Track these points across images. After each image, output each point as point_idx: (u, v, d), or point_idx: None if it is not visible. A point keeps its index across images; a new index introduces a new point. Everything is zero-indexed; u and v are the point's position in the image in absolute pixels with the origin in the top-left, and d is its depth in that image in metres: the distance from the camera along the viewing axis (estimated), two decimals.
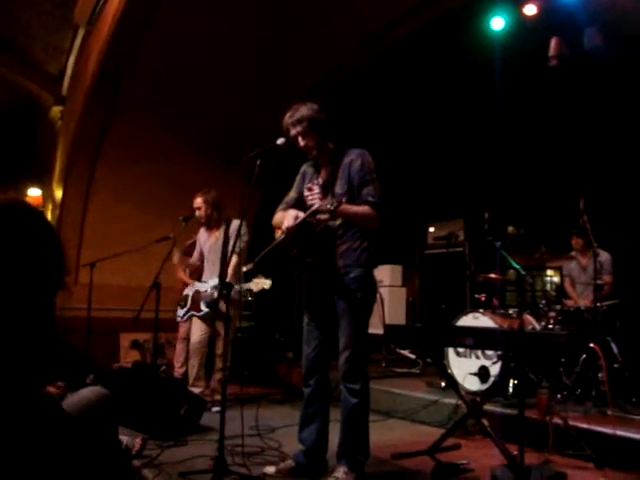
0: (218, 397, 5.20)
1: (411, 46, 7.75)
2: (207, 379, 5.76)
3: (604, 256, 5.94)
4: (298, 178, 3.90)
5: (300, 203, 3.79)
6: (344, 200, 3.41)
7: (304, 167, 3.91)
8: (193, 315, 5.74)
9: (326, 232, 3.51)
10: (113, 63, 7.47)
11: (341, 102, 8.40)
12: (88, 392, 3.15)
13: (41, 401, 0.88)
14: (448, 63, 7.76)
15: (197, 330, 5.70)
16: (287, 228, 3.49)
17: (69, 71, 9.67)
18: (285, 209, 3.80)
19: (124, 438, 3.90)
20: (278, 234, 3.66)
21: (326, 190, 3.62)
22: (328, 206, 3.30)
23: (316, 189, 3.47)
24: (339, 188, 3.58)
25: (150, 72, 7.55)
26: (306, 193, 3.56)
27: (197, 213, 5.92)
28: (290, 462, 3.70)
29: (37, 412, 0.86)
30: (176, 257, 6.39)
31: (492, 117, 7.65)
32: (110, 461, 0.85)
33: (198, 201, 5.89)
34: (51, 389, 4.60)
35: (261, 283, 5.40)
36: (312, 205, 3.42)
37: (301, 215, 3.48)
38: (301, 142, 3.64)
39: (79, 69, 9.03)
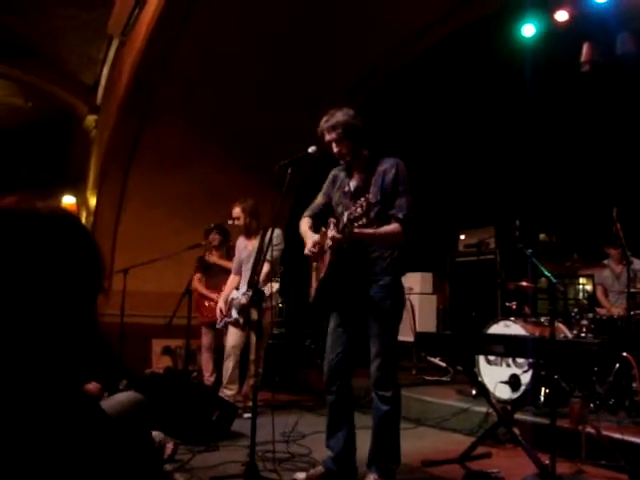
0: (250, 403, 5.25)
1: (443, 53, 7.75)
2: (240, 384, 5.81)
3: (638, 264, 5.87)
4: (327, 183, 3.89)
5: (327, 209, 3.82)
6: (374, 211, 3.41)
7: (334, 172, 3.90)
8: (227, 322, 5.80)
9: (356, 243, 3.52)
10: (146, 73, 7.59)
11: (374, 108, 8.42)
12: (123, 396, 3.21)
13: (81, 399, 0.91)
14: (479, 70, 7.74)
15: (231, 335, 5.76)
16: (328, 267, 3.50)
17: (103, 81, 9.86)
18: (311, 216, 3.84)
19: (157, 435, 3.95)
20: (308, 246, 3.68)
21: (357, 197, 3.60)
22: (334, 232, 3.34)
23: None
24: (372, 197, 3.51)
25: (183, 81, 7.65)
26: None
27: (236, 222, 5.97)
28: (320, 468, 3.72)
29: (77, 409, 0.89)
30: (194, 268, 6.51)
31: (524, 124, 7.61)
32: (144, 465, 0.88)
33: (237, 211, 5.93)
34: (90, 387, 4.71)
35: (267, 287, 5.41)
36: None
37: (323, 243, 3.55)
38: (335, 148, 3.65)
39: (113, 79, 9.19)
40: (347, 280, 3.60)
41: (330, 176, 3.90)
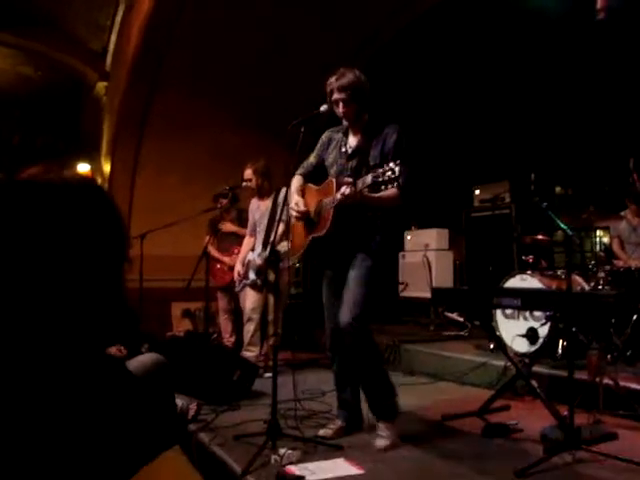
0: (270, 363, 5.33)
1: (454, 4, 7.61)
2: (260, 345, 5.88)
3: None
4: (320, 144, 3.93)
5: (319, 170, 3.89)
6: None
7: (328, 134, 3.93)
8: (245, 284, 5.84)
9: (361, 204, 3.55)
10: (154, 37, 7.54)
11: (384, 65, 8.32)
12: (146, 358, 3.27)
13: (107, 360, 0.94)
14: (491, 20, 7.59)
15: (250, 297, 5.80)
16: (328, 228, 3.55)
17: (112, 47, 9.79)
18: (302, 174, 3.88)
19: (180, 401, 4.04)
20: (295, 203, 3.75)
21: (355, 157, 3.70)
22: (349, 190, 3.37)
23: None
24: (372, 159, 3.60)
25: (191, 45, 7.60)
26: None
27: (248, 184, 5.98)
28: (339, 422, 3.83)
29: (104, 369, 0.92)
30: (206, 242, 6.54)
31: (538, 75, 7.51)
32: (168, 424, 0.92)
33: (248, 172, 5.94)
34: (113, 350, 4.81)
35: (280, 246, 5.45)
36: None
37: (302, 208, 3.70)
38: (341, 108, 3.66)
39: (121, 45, 9.13)
40: (343, 239, 3.62)
41: (324, 137, 3.94)
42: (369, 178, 3.30)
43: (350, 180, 3.45)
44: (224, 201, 6.52)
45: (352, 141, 3.78)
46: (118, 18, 9.07)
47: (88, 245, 0.96)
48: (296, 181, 3.90)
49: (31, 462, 0.83)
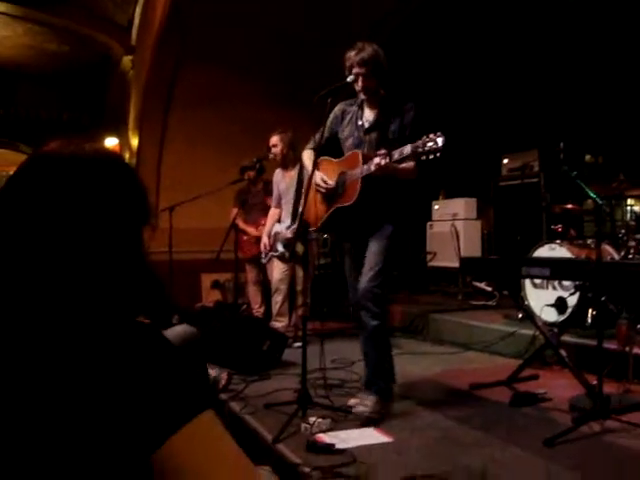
0: (300, 333, 5.39)
1: None
2: (289, 316, 5.94)
3: None
4: (332, 118, 3.91)
5: (331, 143, 3.90)
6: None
7: (341, 106, 3.92)
8: (272, 255, 5.89)
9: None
10: (180, 8, 7.51)
11: (405, 36, 8.23)
12: (179, 329, 3.36)
13: (140, 327, 0.98)
14: None
15: (278, 269, 5.86)
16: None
17: (137, 21, 9.78)
18: (314, 149, 3.86)
19: (212, 371, 4.12)
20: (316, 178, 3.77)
21: (374, 131, 3.73)
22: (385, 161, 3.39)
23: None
24: (391, 133, 3.65)
25: (217, 15, 7.56)
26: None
27: (273, 151, 5.99)
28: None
29: (138, 338, 0.96)
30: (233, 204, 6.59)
31: (566, 42, 7.37)
32: (201, 390, 0.95)
33: (274, 139, 5.95)
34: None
35: None
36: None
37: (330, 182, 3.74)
38: (361, 83, 3.67)
39: (146, 18, 9.12)
40: (367, 209, 3.66)
41: (337, 110, 3.92)
42: (408, 148, 3.35)
43: (385, 151, 3.45)
44: (251, 173, 6.52)
45: (369, 115, 3.79)
46: None
47: (104, 212, 0.99)
48: (309, 155, 3.94)
49: (70, 425, 0.87)
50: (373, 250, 3.68)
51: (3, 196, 0.99)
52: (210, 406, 0.94)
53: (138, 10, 9.52)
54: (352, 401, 3.78)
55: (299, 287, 5.73)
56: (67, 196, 0.96)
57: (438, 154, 3.23)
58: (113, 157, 1.08)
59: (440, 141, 3.20)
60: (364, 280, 3.64)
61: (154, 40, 8.32)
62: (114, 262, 1.00)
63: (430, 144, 3.22)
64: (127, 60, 10.36)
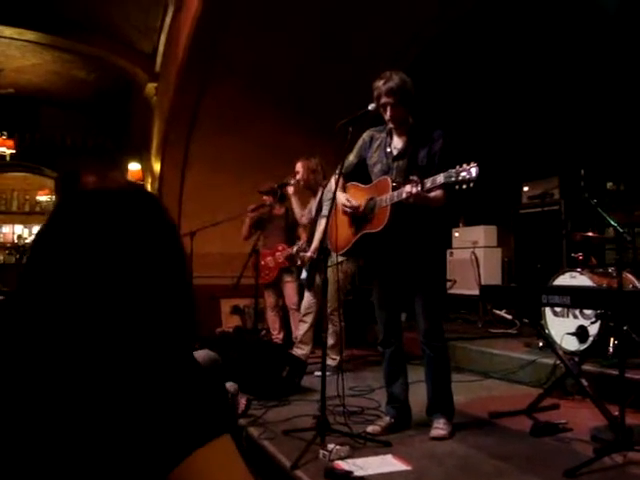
0: (328, 362, 5.40)
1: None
2: (312, 344, 5.89)
3: None
4: (360, 143, 3.95)
5: (359, 169, 3.93)
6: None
7: (370, 133, 3.95)
8: (301, 282, 5.93)
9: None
10: (204, 37, 7.65)
11: (430, 64, 8.29)
12: (201, 354, 3.38)
13: (191, 362, 1.01)
14: (539, 13, 7.50)
15: (306, 295, 5.88)
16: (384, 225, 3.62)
17: (161, 48, 9.97)
18: (343, 173, 3.87)
19: (231, 387, 4.11)
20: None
21: (402, 158, 3.75)
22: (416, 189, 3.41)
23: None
24: (420, 161, 3.68)
25: (242, 43, 7.67)
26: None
27: (296, 177, 6.07)
28: (388, 419, 3.87)
29: (189, 370, 0.99)
30: (244, 227, 6.63)
31: (587, 70, 7.38)
32: (219, 414, 0.97)
33: (298, 165, 6.07)
34: None
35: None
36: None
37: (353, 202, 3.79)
38: (389, 112, 3.71)
39: (171, 46, 9.30)
40: (397, 235, 3.68)
41: (365, 136, 3.95)
42: (441, 178, 3.36)
43: (417, 179, 3.46)
44: (267, 198, 6.58)
45: (397, 142, 3.82)
46: (167, 19, 9.23)
47: (154, 249, 1.02)
48: (336, 180, 3.95)
49: (90, 440, 0.90)
50: (421, 287, 3.78)
51: (49, 233, 1.02)
52: (228, 431, 0.96)
53: (163, 38, 9.70)
54: (370, 428, 3.78)
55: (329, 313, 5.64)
56: (110, 234, 0.99)
57: (471, 184, 3.23)
58: (144, 191, 1.11)
59: (474, 172, 3.20)
60: (421, 320, 3.80)
61: (178, 68, 8.46)
62: (166, 295, 1.03)
63: (464, 174, 3.22)
64: (151, 87, 10.55)
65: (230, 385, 4.11)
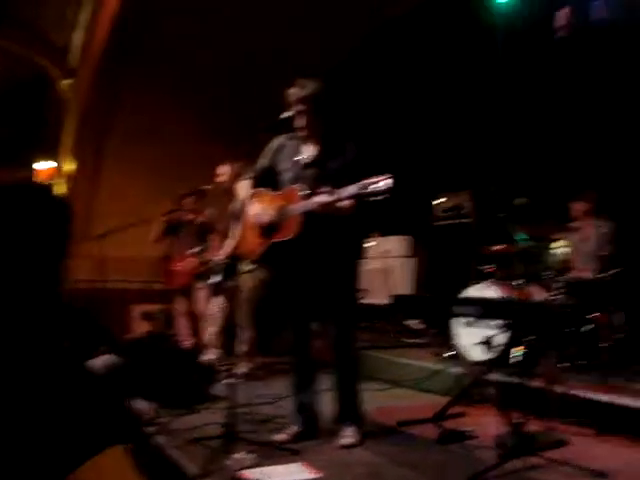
0: (238, 369, 5.34)
1: (417, 16, 7.73)
2: (221, 348, 5.84)
3: (605, 227, 5.91)
4: (271, 150, 3.93)
5: (269, 176, 3.89)
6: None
7: (281, 140, 3.93)
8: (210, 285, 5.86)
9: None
10: (122, 37, 7.48)
11: (345, 76, 8.39)
12: (103, 359, 3.27)
13: (60, 359, 0.95)
14: (453, 33, 7.72)
15: (216, 300, 5.82)
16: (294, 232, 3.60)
17: (77, 44, 9.67)
18: (252, 179, 3.88)
19: (138, 403, 4.02)
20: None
21: (313, 167, 3.75)
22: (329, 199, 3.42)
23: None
24: (330, 171, 3.68)
25: (160, 45, 7.56)
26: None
27: (217, 180, 6.04)
28: (296, 427, 3.86)
29: (56, 368, 0.93)
30: (155, 230, 6.53)
31: (499, 88, 7.62)
32: (114, 423, 0.93)
33: (221, 169, 6.04)
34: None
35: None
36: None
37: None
38: (301, 120, 3.71)
39: (88, 42, 9.03)
40: (308, 244, 3.67)
41: (275, 143, 3.93)
42: (354, 188, 3.35)
43: (329, 189, 3.46)
44: (190, 200, 6.50)
45: (308, 150, 3.82)
46: (85, 15, 8.96)
47: (29, 243, 0.97)
48: (246, 186, 3.93)
49: None
50: (332, 295, 3.78)
51: None
52: (121, 442, 0.92)
53: (79, 34, 9.41)
54: (278, 436, 3.75)
55: (237, 320, 5.62)
56: None
57: (383, 196, 3.25)
58: (34, 187, 1.06)
59: (387, 184, 3.23)
60: (332, 329, 3.81)
61: (94, 65, 8.24)
62: (30, 289, 0.97)
63: (376, 186, 3.24)
64: (65, 84, 10.20)
65: (137, 402, 4.02)
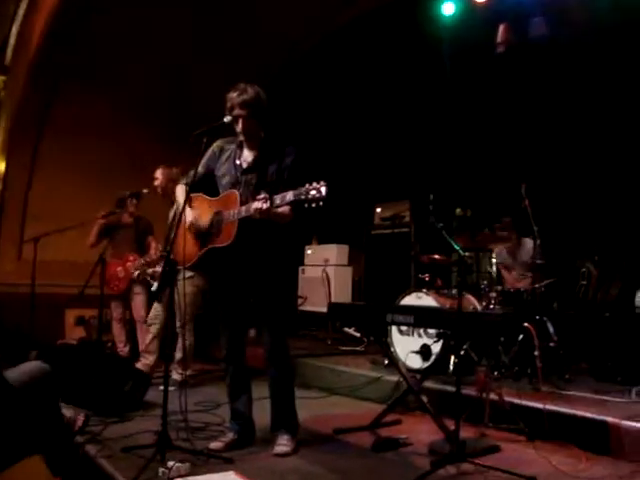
0: (174, 375, 5.26)
1: (362, 27, 7.80)
2: (157, 354, 5.73)
3: (529, 244, 6.03)
4: (209, 154, 3.88)
5: (207, 180, 3.86)
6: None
7: (220, 143, 3.90)
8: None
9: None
10: (58, 32, 7.29)
11: (289, 82, 8.40)
12: (28, 366, 3.16)
13: None
14: (398, 45, 7.81)
15: (154, 306, 5.74)
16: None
17: (12, 40, 9.39)
18: (189, 184, 3.77)
19: (67, 413, 3.91)
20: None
21: (252, 172, 3.73)
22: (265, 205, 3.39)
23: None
24: (269, 176, 3.68)
25: (99, 42, 7.39)
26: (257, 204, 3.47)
27: (154, 183, 5.97)
28: (231, 435, 3.82)
29: None
30: (92, 234, 6.42)
31: (440, 100, 7.75)
32: (50, 434, 0.89)
33: (157, 172, 5.98)
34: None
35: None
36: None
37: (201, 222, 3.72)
38: (241, 125, 3.68)
39: (23, 38, 8.77)
40: (244, 251, 3.65)
41: (215, 147, 3.89)
42: (290, 195, 3.33)
43: (266, 196, 3.43)
44: (134, 201, 6.42)
45: (247, 155, 3.80)
46: (21, 9, 8.71)
47: None
48: (183, 191, 3.86)
49: None
50: (269, 304, 3.78)
51: None
52: (40, 451, 0.89)
53: (15, 28, 9.14)
54: (213, 444, 3.71)
55: (177, 328, 5.50)
56: None
57: (321, 203, 3.24)
58: None
59: (324, 190, 3.21)
60: (266, 339, 3.80)
61: (29, 63, 8.01)
62: None
63: (313, 192, 3.22)
64: None
65: (67, 410, 3.90)
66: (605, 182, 6.51)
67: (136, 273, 6.09)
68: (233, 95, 3.66)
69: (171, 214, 5.76)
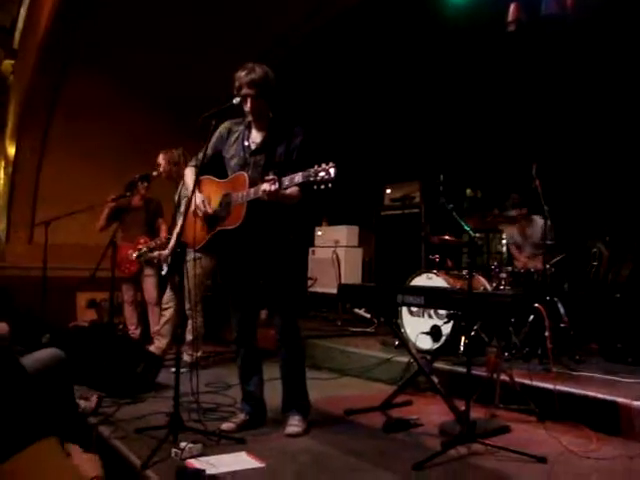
0: (184, 357, 5.28)
1: (372, 6, 7.72)
2: (170, 337, 5.75)
3: (540, 221, 6.00)
4: (218, 135, 3.85)
5: (215, 162, 3.86)
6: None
7: (228, 125, 3.87)
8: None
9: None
10: (68, 14, 7.25)
11: (299, 62, 8.34)
12: (43, 354, 3.19)
13: None
14: (407, 25, 7.74)
15: (167, 290, 5.77)
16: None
17: (21, 24, 9.39)
18: (197, 166, 3.79)
19: (81, 402, 3.94)
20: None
21: (260, 153, 3.71)
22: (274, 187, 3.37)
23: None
24: (278, 157, 3.66)
25: (107, 26, 7.36)
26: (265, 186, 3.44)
27: (158, 170, 5.95)
28: (243, 416, 3.85)
29: None
30: (102, 218, 6.43)
31: (450, 80, 7.70)
32: (65, 419, 0.90)
33: (159, 157, 5.95)
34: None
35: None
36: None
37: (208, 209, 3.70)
38: (249, 104, 3.64)
39: (32, 21, 8.76)
40: (253, 232, 3.64)
41: (223, 129, 3.86)
42: (299, 177, 3.32)
43: (274, 177, 3.41)
44: (145, 184, 6.43)
45: (256, 136, 3.77)
46: None
47: None
48: (191, 173, 3.85)
49: None
50: (280, 286, 3.77)
51: None
52: (56, 432, 0.89)
53: (23, 11, 9.13)
54: (225, 425, 3.73)
55: (187, 310, 5.51)
56: None
57: (330, 185, 3.23)
58: None
59: (332, 172, 3.18)
60: (277, 319, 3.81)
61: (38, 46, 7.99)
62: None
63: (322, 174, 3.20)
64: (8, 64, 9.91)
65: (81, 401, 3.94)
66: (617, 162, 6.47)
67: (134, 255, 6.08)
68: (241, 74, 3.62)
69: (176, 197, 5.77)
